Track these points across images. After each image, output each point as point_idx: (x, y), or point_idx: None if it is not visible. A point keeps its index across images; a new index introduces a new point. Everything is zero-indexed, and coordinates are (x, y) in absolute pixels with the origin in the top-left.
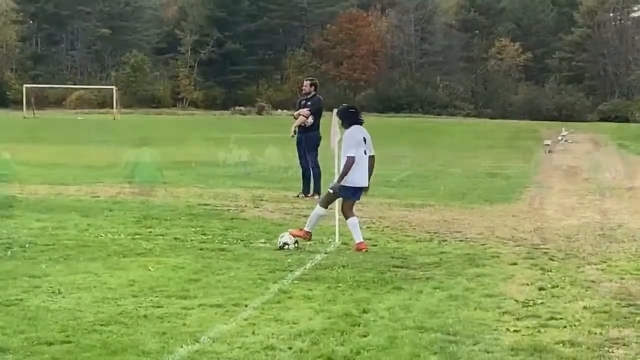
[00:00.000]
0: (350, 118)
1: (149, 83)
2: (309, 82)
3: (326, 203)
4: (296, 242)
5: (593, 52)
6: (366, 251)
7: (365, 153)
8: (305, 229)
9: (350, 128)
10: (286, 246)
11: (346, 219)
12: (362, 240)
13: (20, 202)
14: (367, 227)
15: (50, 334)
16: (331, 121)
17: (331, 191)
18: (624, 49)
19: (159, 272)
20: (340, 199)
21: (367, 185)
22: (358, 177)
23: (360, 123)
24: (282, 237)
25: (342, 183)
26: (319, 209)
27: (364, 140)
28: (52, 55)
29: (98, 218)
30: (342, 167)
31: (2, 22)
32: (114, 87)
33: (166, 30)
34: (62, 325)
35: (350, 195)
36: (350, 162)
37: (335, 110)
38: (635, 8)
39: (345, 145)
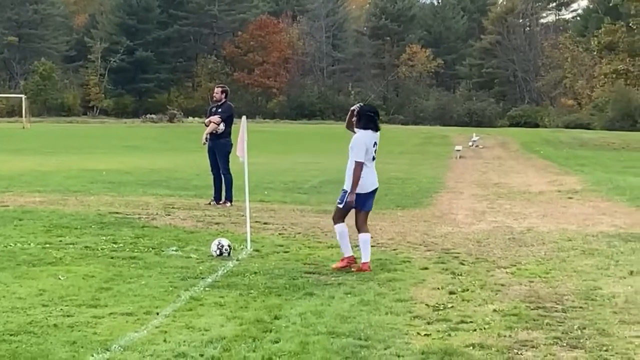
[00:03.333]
0: (366, 121)
1: (58, 91)
2: (219, 89)
3: (341, 217)
4: (229, 245)
5: (503, 58)
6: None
7: (374, 159)
8: (346, 255)
9: (360, 132)
10: (223, 248)
11: (359, 232)
12: (351, 254)
13: None
14: (279, 234)
15: None
16: (240, 128)
17: (341, 205)
18: (533, 55)
19: (70, 281)
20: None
21: (377, 187)
22: (369, 182)
23: (375, 129)
24: (215, 243)
25: (352, 189)
26: (338, 227)
27: (375, 145)
28: None
29: (7, 227)
30: (349, 172)
31: None
32: (22, 95)
33: (76, 38)
34: None
35: (364, 202)
36: (360, 168)
37: (244, 118)
38: (544, 14)
39: (354, 151)
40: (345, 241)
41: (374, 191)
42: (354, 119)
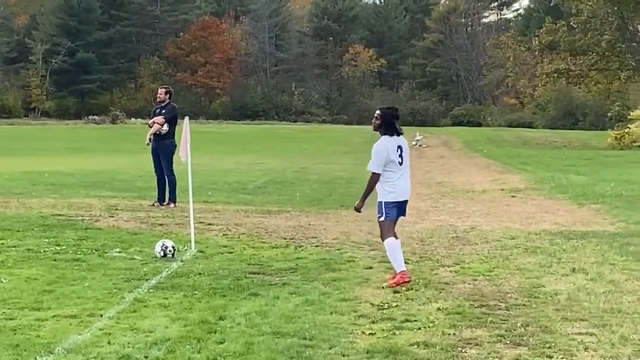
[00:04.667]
0: (390, 125)
1: None
2: (163, 90)
3: (389, 231)
4: (173, 246)
5: (445, 57)
6: (408, 282)
7: (402, 164)
8: (398, 270)
9: (382, 138)
10: (167, 249)
11: (383, 240)
12: (404, 269)
13: None
14: (224, 235)
15: None
16: (183, 129)
17: (382, 218)
18: (475, 55)
19: (12, 284)
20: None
21: (408, 199)
22: (398, 190)
23: (397, 134)
24: (159, 245)
25: (384, 199)
26: (388, 242)
27: (399, 148)
28: None
29: None
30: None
31: None
32: None
33: (17, 39)
34: None
35: (392, 210)
36: (375, 179)
37: (187, 118)
38: (486, 14)
39: (373, 159)
40: (396, 254)
41: (404, 202)
42: (377, 122)
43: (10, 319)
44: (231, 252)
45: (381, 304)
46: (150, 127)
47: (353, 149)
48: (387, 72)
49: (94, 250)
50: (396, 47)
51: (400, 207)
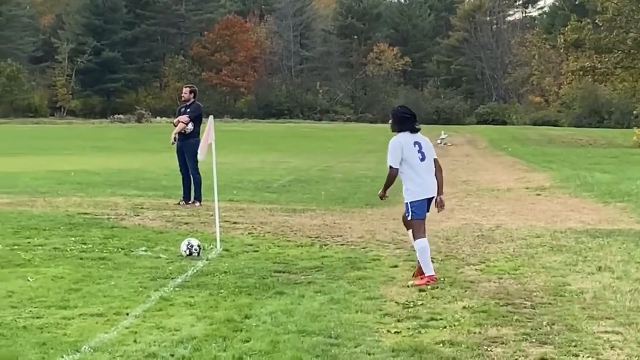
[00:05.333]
0: (400, 123)
1: (25, 92)
2: (188, 89)
3: (419, 230)
4: (199, 245)
5: (470, 55)
6: (434, 282)
7: (423, 160)
8: (427, 274)
9: (397, 135)
10: (193, 248)
11: (414, 239)
12: (433, 273)
13: None
14: (249, 233)
15: None
16: (206, 128)
17: (409, 217)
18: (500, 53)
19: (39, 283)
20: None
21: (434, 195)
22: (420, 188)
23: (413, 130)
24: (184, 243)
25: (409, 200)
26: (418, 243)
27: (417, 144)
28: None
29: None
30: (403, 182)
31: None
32: None
33: (42, 39)
34: None
35: (418, 209)
36: (393, 173)
37: (211, 117)
38: (511, 12)
39: (389, 155)
40: (426, 258)
41: (429, 199)
42: (390, 121)
43: (37, 318)
44: (256, 251)
45: (406, 303)
46: (175, 125)
47: (377, 147)
48: (411, 71)
49: (120, 249)
50: (421, 46)
51: (421, 205)
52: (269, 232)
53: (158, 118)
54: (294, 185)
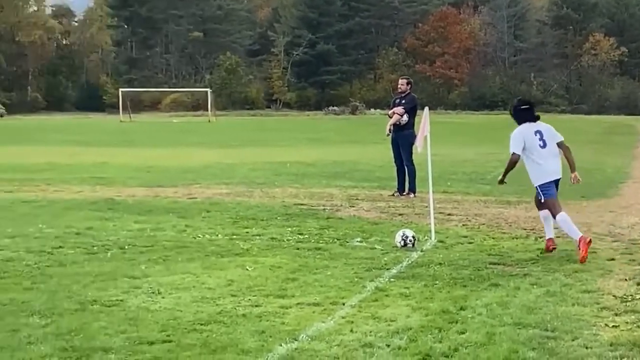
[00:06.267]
0: (518, 117)
1: (243, 85)
2: (404, 80)
3: (554, 206)
4: (413, 236)
5: None
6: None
7: (544, 147)
8: (577, 237)
9: (518, 127)
10: (408, 239)
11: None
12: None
13: (118, 205)
14: (463, 225)
15: (151, 334)
16: (422, 119)
17: (542, 199)
18: None
19: (257, 272)
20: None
21: (559, 177)
22: (545, 172)
23: (533, 120)
24: (399, 234)
25: (538, 183)
26: (560, 217)
27: (537, 133)
28: (146, 59)
29: (195, 219)
30: (527, 168)
31: (97, 27)
32: (208, 89)
33: (259, 32)
34: (162, 325)
35: (548, 190)
36: (514, 159)
37: (427, 109)
38: None
39: (511, 143)
40: (570, 226)
41: (556, 181)
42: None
43: (256, 306)
44: (471, 243)
45: (624, 297)
46: (390, 117)
47: (592, 138)
48: (628, 61)
49: (335, 240)
50: (638, 36)
51: (549, 186)
52: (484, 224)
53: (372, 110)
54: (508, 177)
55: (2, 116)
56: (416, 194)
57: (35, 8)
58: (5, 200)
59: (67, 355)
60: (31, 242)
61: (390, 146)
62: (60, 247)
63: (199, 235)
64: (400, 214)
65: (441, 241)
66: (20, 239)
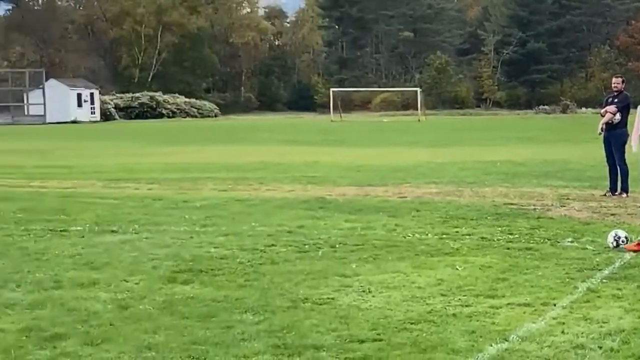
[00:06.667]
0: None
1: (452, 84)
2: (620, 79)
3: None
4: (626, 237)
5: None
6: None
7: None
8: None
9: None
10: (620, 239)
11: None
12: None
13: (329, 204)
14: None
15: (361, 332)
16: (636, 118)
17: None
18: None
19: (467, 272)
20: None
21: None
22: None
23: None
24: (611, 235)
25: None
26: None
27: None
28: (356, 59)
29: (405, 218)
30: None
31: (309, 27)
32: (418, 89)
33: (469, 31)
34: (372, 324)
35: None
36: None
37: (639, 107)
38: None
39: None
40: None
41: None
42: None
43: (466, 306)
44: None
45: None
46: (603, 116)
47: None
48: None
49: (546, 240)
50: None
51: None
52: None
53: (583, 109)
54: None
55: (216, 116)
56: (629, 194)
57: (249, 10)
58: (220, 199)
59: (279, 352)
60: (244, 240)
61: (602, 145)
62: (272, 245)
63: (409, 235)
64: (612, 214)
65: None
66: (234, 237)
